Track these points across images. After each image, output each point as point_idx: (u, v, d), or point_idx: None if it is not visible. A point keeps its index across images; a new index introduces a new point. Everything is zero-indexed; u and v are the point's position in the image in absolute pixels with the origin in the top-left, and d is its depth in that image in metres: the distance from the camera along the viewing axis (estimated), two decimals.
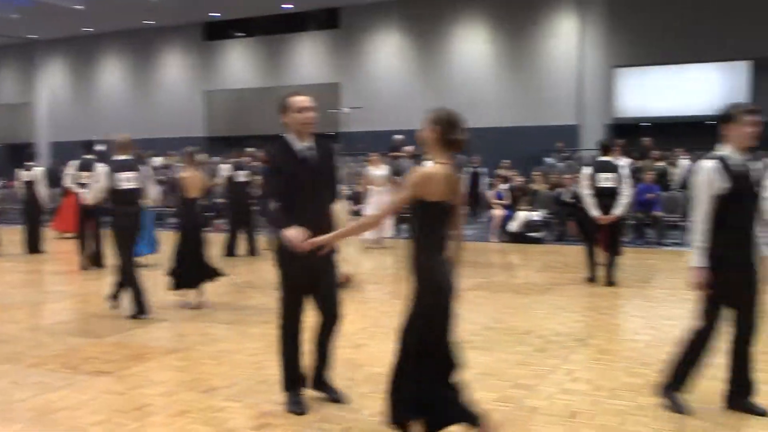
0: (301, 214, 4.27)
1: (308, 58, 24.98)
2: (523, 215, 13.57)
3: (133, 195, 7.32)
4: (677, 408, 4.43)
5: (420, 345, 3.70)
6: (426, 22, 23.55)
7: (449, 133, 3.73)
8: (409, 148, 17.83)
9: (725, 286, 4.28)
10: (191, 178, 7.82)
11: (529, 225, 13.49)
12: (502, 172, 16.03)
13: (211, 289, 8.07)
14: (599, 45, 21.75)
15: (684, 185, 15.23)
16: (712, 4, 19.95)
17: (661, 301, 8.13)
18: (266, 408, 4.59)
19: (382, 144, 18.97)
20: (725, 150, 4.34)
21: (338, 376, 4.84)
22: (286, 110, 4.48)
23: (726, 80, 20.67)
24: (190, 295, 7.83)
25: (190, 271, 7.76)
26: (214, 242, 10.35)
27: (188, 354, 5.98)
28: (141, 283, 7.27)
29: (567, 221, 13.98)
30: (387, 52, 24.23)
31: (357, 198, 14.33)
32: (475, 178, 16.85)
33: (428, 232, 3.72)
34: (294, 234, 4.14)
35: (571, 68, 22.08)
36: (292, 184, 4.38)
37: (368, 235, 11.37)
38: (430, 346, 3.70)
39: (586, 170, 9.07)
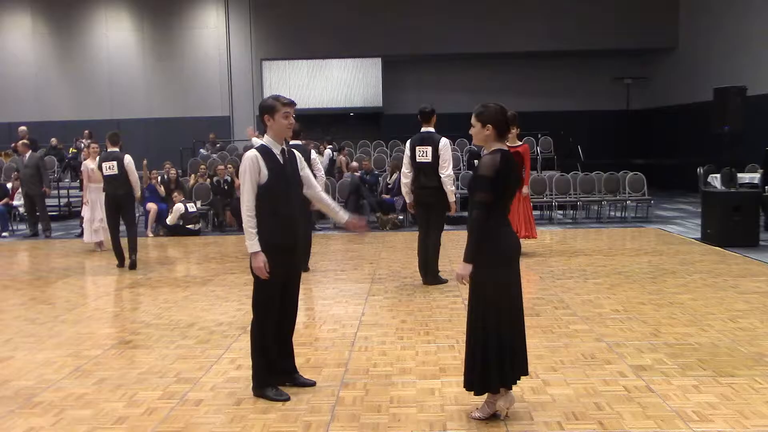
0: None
1: None
2: (179, 207, 13.34)
3: None
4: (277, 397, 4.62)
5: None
6: (62, 2, 21.95)
7: None
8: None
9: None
10: None
11: (186, 217, 13.32)
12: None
13: None
14: (247, 38, 22.23)
15: (329, 172, 16.41)
16: (348, 2, 21.60)
17: (315, 282, 8.64)
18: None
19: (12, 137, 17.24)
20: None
21: None
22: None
23: (363, 75, 22.55)
24: None
25: None
26: None
27: None
28: None
29: (225, 211, 14.13)
30: (16, 34, 22.07)
31: None
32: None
33: None
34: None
35: (222, 60, 22.30)
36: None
37: None
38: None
39: None
